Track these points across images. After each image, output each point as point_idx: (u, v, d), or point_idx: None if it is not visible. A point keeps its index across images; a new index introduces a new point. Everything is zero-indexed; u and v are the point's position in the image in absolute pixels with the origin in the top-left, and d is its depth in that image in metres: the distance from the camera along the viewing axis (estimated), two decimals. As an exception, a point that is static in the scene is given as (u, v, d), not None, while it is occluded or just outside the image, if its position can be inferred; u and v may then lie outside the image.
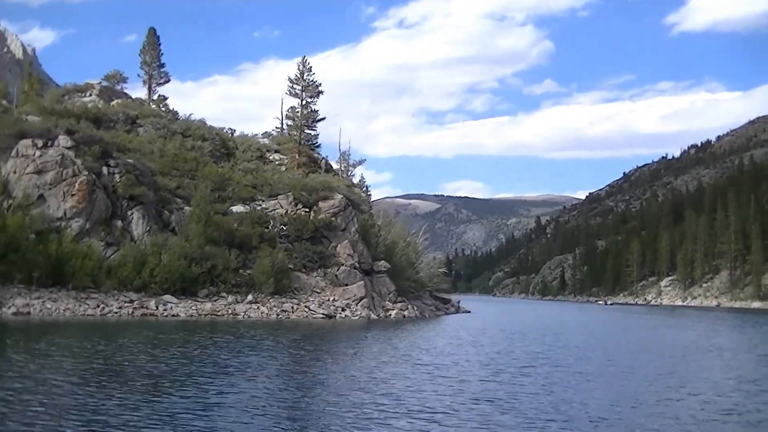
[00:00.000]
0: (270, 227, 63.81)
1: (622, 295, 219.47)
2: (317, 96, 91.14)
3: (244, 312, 54.06)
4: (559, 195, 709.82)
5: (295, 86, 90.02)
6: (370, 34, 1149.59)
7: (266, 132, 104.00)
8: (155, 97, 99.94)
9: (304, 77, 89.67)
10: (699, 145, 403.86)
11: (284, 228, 64.27)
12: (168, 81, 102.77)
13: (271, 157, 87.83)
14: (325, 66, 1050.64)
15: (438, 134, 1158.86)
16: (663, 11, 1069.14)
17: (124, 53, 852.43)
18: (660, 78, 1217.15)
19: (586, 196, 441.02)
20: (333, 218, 66.19)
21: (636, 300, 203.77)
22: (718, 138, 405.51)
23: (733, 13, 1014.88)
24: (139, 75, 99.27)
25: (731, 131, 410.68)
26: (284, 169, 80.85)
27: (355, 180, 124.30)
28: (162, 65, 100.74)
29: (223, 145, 79.82)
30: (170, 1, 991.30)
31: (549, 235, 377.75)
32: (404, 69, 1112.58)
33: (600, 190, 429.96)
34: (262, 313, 54.81)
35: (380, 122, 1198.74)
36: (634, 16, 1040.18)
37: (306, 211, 66.52)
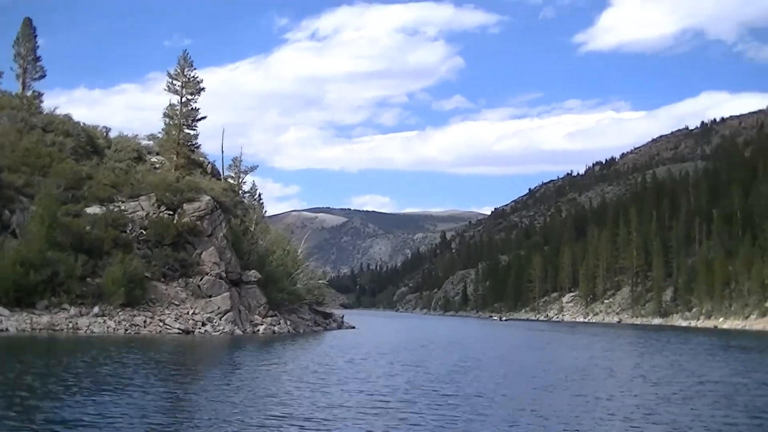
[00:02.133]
0: (128, 231, 57.14)
1: (524, 310, 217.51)
2: (198, 93, 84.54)
3: (87, 326, 47.54)
4: (466, 210, 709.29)
5: (174, 82, 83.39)
6: (281, 46, 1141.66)
7: (152, 134, 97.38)
8: (29, 92, 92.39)
9: (185, 73, 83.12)
10: (603, 162, 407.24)
11: (144, 232, 57.67)
12: (44, 76, 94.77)
13: (151, 159, 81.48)
14: (236, 76, 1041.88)
15: (346, 148, 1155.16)
16: (571, 31, 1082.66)
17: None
18: (567, 96, 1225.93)
19: (492, 212, 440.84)
20: (198, 222, 59.55)
21: (538, 316, 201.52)
22: (623, 156, 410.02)
23: (640, 34, 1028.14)
24: (12, 68, 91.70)
25: (635, 149, 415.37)
26: (158, 170, 74.50)
27: (247, 187, 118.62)
28: (38, 59, 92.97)
29: (90, 143, 72.77)
30: (79, 5, 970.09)
31: (454, 251, 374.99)
32: (314, 81, 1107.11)
33: (506, 205, 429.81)
34: (108, 327, 48.28)
35: (289, 134, 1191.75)
36: (543, 34, 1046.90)
37: (170, 214, 59.99)
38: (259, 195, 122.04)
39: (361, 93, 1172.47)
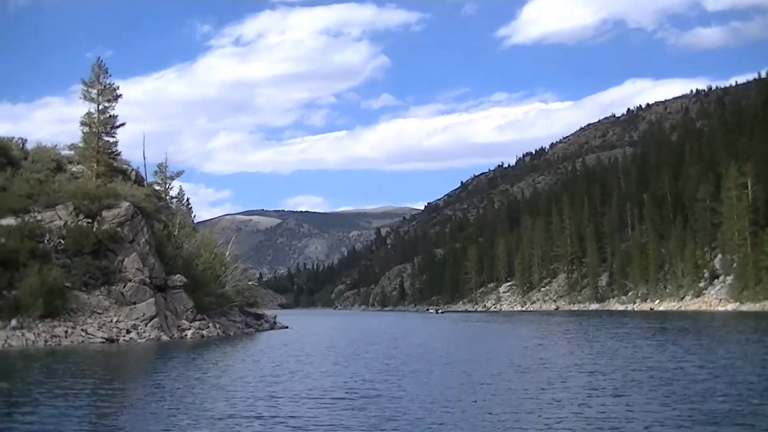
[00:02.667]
0: (46, 241, 55.31)
1: (461, 302, 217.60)
2: (115, 100, 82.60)
3: (5, 340, 45.73)
4: (400, 206, 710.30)
5: (90, 90, 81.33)
6: (206, 53, 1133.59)
7: (73, 144, 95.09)
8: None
9: (100, 80, 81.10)
10: (533, 153, 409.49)
11: (62, 241, 55.86)
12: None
13: (72, 169, 79.41)
14: (161, 85, 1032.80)
15: (277, 150, 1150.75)
16: (494, 25, 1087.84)
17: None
18: (494, 90, 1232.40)
19: (425, 206, 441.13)
20: (119, 229, 57.67)
21: (476, 307, 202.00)
22: (552, 145, 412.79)
23: (561, 26, 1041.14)
24: None
25: (564, 138, 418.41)
26: (79, 179, 72.50)
27: (174, 192, 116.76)
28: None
29: (3, 155, 70.55)
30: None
31: (389, 246, 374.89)
32: (241, 86, 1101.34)
33: (439, 200, 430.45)
34: (27, 340, 46.48)
35: (219, 140, 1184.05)
36: (466, 30, 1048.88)
37: (89, 222, 58.16)
38: (187, 200, 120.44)
39: (289, 95, 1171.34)
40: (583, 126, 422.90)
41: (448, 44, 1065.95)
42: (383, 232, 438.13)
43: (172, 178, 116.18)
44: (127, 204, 59.32)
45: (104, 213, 58.00)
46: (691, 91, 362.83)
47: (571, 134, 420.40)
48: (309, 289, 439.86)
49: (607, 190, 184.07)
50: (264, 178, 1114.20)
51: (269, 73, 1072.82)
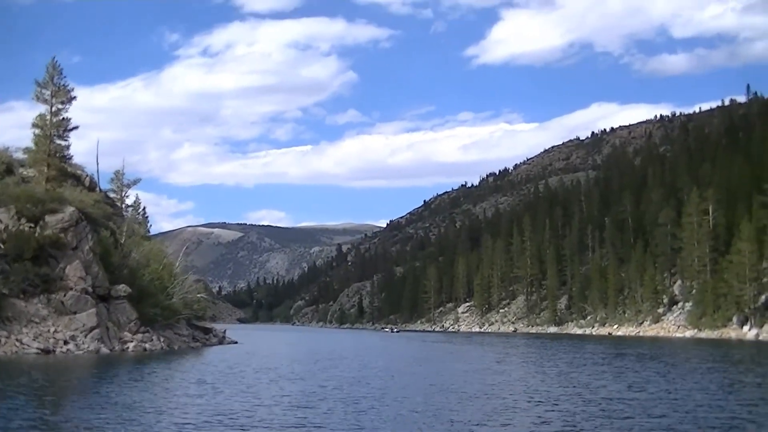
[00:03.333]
0: (-16, 245, 53.09)
1: (419, 322, 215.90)
2: (69, 102, 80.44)
3: (-68, 349, 43.78)
4: (362, 223, 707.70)
5: (43, 91, 79.10)
6: (173, 62, 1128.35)
7: (27, 147, 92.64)
8: None
9: (54, 81, 78.92)
10: (497, 173, 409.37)
11: (1, 246, 53.49)
12: None
13: (24, 172, 77.11)
14: (127, 93, 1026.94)
15: (241, 163, 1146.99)
16: (463, 44, 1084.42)
17: None
18: (460, 109, 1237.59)
19: (387, 224, 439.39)
20: (62, 235, 55.41)
21: (434, 327, 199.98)
22: (516, 167, 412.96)
23: (529, 47, 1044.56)
24: None
25: (528, 160, 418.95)
26: (28, 183, 70.15)
27: (130, 201, 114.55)
28: None
29: (-54, 154, 68.25)
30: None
31: (350, 263, 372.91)
32: (207, 97, 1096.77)
33: (401, 217, 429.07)
34: (-44, 349, 44.58)
35: (183, 150, 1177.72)
36: (435, 48, 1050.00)
37: (31, 227, 55.86)
38: (144, 209, 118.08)
39: (255, 108, 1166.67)
40: (547, 148, 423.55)
41: (417, 62, 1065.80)
42: (344, 248, 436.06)
43: (128, 186, 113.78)
44: (71, 209, 57.13)
45: (47, 218, 55.79)
46: (656, 116, 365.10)
47: (535, 156, 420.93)
48: (268, 303, 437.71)
49: (569, 213, 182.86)
50: (227, 191, 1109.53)
51: (236, 85, 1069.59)
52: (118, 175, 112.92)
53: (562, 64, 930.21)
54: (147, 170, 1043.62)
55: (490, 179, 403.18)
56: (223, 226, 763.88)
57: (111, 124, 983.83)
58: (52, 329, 50.26)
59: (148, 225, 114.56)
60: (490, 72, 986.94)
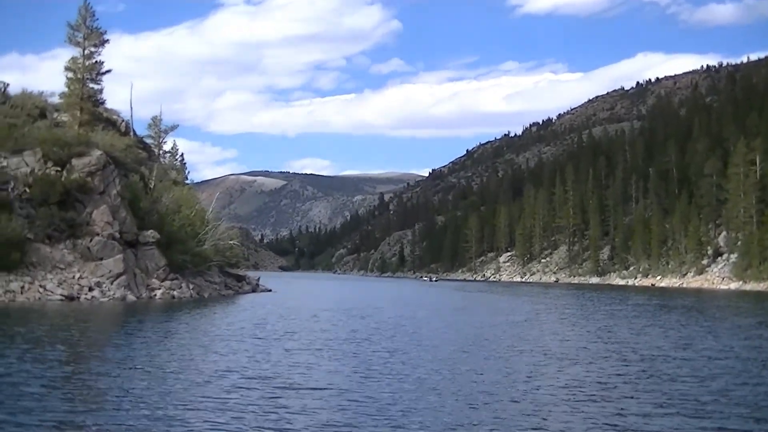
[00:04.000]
0: (9, 189, 51.44)
1: (460, 271, 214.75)
2: (102, 45, 78.76)
3: (-47, 294, 42.45)
4: (405, 172, 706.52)
5: (76, 33, 77.43)
6: (217, 10, 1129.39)
7: (63, 92, 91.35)
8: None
9: (87, 23, 77.21)
10: (540, 123, 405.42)
11: (27, 190, 51.95)
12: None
13: (60, 117, 75.77)
14: (171, 41, 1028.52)
15: (284, 112, 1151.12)
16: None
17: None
18: (504, 59, 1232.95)
19: (429, 173, 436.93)
20: (89, 179, 53.67)
21: (475, 276, 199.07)
22: (559, 116, 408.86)
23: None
24: None
25: (572, 110, 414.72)
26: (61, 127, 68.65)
27: (167, 147, 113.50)
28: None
29: (-24, 97, 66.68)
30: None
31: (392, 212, 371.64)
32: (251, 46, 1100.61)
33: (443, 167, 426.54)
34: (-24, 295, 43.19)
35: (226, 99, 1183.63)
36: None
37: (57, 171, 54.21)
38: (182, 155, 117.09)
39: (299, 57, 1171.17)
40: (591, 98, 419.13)
41: (461, 11, 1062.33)
42: (387, 197, 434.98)
43: (166, 132, 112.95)
44: (99, 153, 55.38)
45: (74, 161, 54.10)
46: (702, 66, 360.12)
47: (579, 106, 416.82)
48: (310, 252, 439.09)
49: (613, 163, 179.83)
50: (270, 139, 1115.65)
51: (280, 33, 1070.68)
52: (155, 121, 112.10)
53: (608, 14, 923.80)
54: (190, 118, 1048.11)
55: (534, 129, 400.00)
56: (266, 174, 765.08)
57: (154, 73, 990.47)
58: (77, 275, 48.85)
59: (187, 171, 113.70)
60: (534, 21, 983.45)
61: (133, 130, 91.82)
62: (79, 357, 23.80)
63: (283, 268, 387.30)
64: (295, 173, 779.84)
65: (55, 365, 21.06)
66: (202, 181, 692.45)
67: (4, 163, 53.26)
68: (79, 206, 53.13)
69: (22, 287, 45.33)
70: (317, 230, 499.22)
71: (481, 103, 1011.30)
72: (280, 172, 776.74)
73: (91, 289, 47.99)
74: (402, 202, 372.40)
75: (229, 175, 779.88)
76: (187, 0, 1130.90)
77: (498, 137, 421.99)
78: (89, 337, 29.78)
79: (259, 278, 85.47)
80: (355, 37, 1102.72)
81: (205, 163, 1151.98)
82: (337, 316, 44.18)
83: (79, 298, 46.67)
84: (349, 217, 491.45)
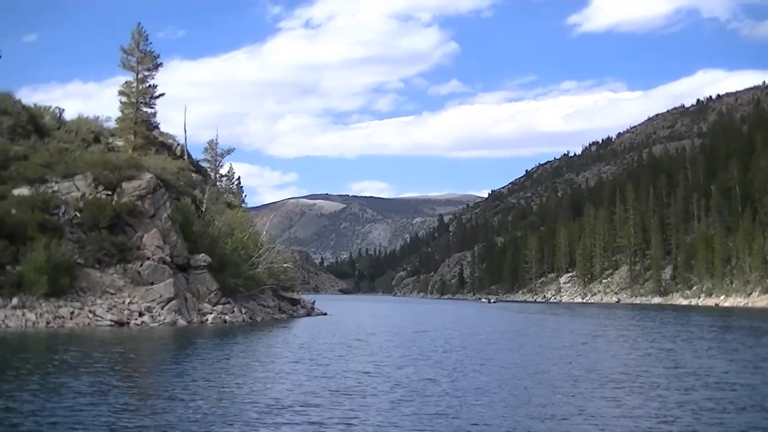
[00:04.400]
0: (60, 213, 51.19)
1: (520, 292, 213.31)
2: (155, 69, 79.16)
3: (2, 320, 41.88)
4: (464, 194, 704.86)
5: (129, 57, 77.76)
6: (275, 34, 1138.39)
7: (119, 117, 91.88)
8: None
9: (140, 47, 77.52)
10: (599, 142, 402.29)
11: (78, 215, 51.64)
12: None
13: (114, 142, 76.01)
14: (231, 66, 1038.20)
15: (343, 134, 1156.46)
16: (565, 12, 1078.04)
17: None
18: (563, 78, 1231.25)
19: (489, 194, 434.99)
20: (139, 202, 53.08)
21: (535, 297, 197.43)
22: (619, 135, 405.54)
23: (633, 14, 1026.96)
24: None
25: (631, 128, 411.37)
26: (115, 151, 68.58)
27: (224, 170, 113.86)
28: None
29: (32, 122, 66.63)
30: (70, 1, 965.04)
31: (451, 233, 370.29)
32: (310, 69, 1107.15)
33: (503, 188, 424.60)
34: (27, 321, 42.50)
35: (286, 122, 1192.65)
36: (536, 17, 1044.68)
37: (108, 194, 53.83)
38: (238, 178, 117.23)
39: (357, 79, 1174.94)
40: (651, 116, 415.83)
41: (519, 31, 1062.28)
42: (446, 219, 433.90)
43: (222, 156, 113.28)
44: (149, 176, 54.90)
45: (124, 185, 53.66)
46: (764, 82, 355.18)
47: (639, 124, 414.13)
48: (370, 274, 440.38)
49: (674, 181, 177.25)
50: (329, 162, 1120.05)
51: (338, 57, 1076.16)
52: (211, 145, 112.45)
53: (667, 31, 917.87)
54: (250, 142, 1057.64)
55: (593, 148, 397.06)
56: (326, 197, 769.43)
57: (215, 97, 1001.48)
58: (127, 300, 48.31)
59: (243, 195, 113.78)
60: (592, 40, 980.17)
61: (188, 154, 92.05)
62: (144, 383, 23.16)
63: (343, 291, 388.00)
64: (354, 196, 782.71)
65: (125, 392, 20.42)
66: (262, 205, 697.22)
67: (55, 188, 53.10)
68: (130, 230, 52.71)
69: (72, 313, 44.86)
70: (377, 253, 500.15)
71: (539, 123, 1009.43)
72: (340, 195, 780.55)
73: (141, 314, 47.44)
74: (461, 223, 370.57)
75: (288, 199, 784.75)
76: (245, 25, 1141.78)
77: (557, 157, 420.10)
78: (147, 362, 29.22)
79: (314, 301, 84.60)
80: (412, 58, 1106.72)
81: (265, 187, 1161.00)
82: (388, 340, 43.22)
83: (128, 323, 46.10)
84: (408, 240, 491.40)
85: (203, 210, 62.49)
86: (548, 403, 20.00)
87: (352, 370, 26.85)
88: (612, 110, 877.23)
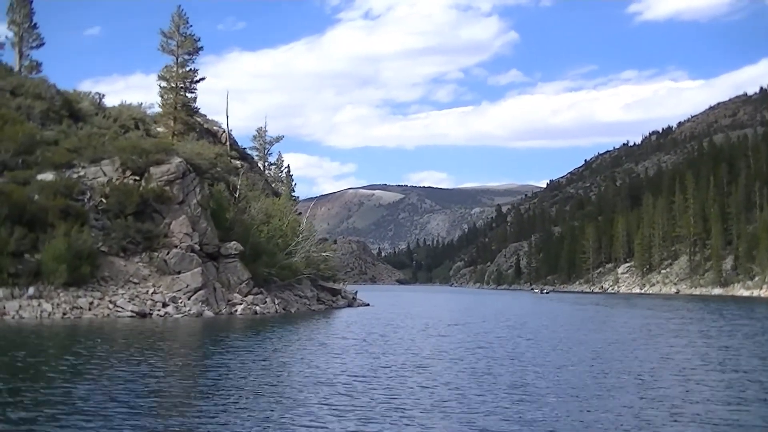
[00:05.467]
0: (86, 199, 49.19)
1: (577, 282, 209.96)
2: (196, 53, 77.55)
3: (17, 311, 39.99)
4: (523, 184, 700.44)
5: (169, 41, 76.13)
6: (335, 25, 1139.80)
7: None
8: (26, 63, 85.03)
9: (180, 31, 75.83)
10: (660, 131, 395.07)
11: (104, 201, 49.59)
12: (42, 44, 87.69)
13: (156, 129, 74.56)
14: (290, 57, 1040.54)
15: (402, 125, 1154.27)
16: (625, 1, 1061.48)
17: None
18: (624, 67, 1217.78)
19: (547, 184, 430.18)
20: (167, 187, 50.91)
21: (592, 288, 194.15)
22: (680, 124, 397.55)
23: (695, 2, 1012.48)
24: (7, 37, 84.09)
25: (692, 117, 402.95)
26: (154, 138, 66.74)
27: (272, 159, 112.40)
28: (34, 26, 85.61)
29: (66, 107, 64.75)
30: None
31: (509, 224, 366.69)
32: (369, 60, 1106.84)
33: (561, 177, 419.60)
34: (43, 311, 40.55)
35: (345, 113, 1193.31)
36: (597, 5, 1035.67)
37: (136, 180, 51.72)
38: (288, 166, 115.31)
39: (416, 70, 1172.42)
40: (712, 105, 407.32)
41: (579, 20, 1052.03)
42: (504, 209, 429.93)
43: (271, 144, 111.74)
44: (178, 160, 52.62)
45: (152, 169, 51.50)
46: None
47: (700, 113, 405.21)
48: (427, 265, 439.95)
49: (735, 170, 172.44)
50: (388, 153, 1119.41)
51: (397, 47, 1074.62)
52: (260, 133, 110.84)
53: (730, 19, 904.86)
54: (309, 133, 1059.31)
55: (653, 138, 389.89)
56: (384, 187, 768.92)
57: (274, 89, 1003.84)
58: (151, 290, 46.18)
59: (293, 183, 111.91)
60: (653, 29, 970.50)
61: (234, 140, 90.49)
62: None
63: (400, 282, 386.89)
64: (412, 186, 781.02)
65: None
66: (320, 196, 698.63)
67: (82, 173, 51.21)
68: (157, 217, 50.59)
69: (91, 303, 42.82)
70: (435, 243, 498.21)
71: (599, 113, 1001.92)
72: (398, 185, 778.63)
73: (165, 305, 45.33)
74: (519, 213, 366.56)
75: (347, 189, 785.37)
76: (304, 16, 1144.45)
77: (617, 146, 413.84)
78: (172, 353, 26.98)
79: (356, 292, 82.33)
80: (472, 48, 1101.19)
81: (324, 178, 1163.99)
82: (415, 334, 40.66)
83: (151, 314, 43.96)
84: (466, 230, 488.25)
85: (236, 196, 60.18)
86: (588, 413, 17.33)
87: (349, 373, 24.35)
88: (673, 99, 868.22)
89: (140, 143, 54.76)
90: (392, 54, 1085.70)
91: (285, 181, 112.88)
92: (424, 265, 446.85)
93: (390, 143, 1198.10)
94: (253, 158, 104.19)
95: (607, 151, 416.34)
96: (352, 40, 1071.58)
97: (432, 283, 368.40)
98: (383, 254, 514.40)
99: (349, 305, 71.67)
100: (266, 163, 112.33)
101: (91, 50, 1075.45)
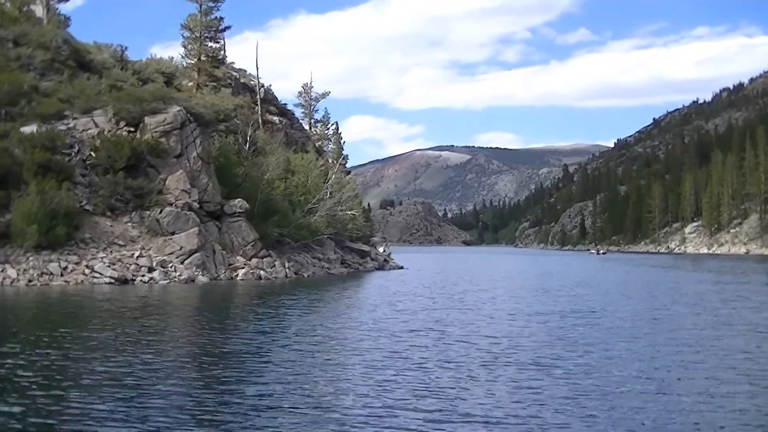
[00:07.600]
0: (73, 153, 44.46)
1: (643, 243, 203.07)
2: (221, 0, 73.08)
3: (-24, 277, 35.57)
4: (591, 143, 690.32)
5: (192, -13, 71.91)
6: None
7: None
8: (54, 17, 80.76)
9: (202, -24, 71.61)
10: (731, 88, 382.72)
11: (93, 154, 44.75)
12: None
13: (185, 84, 70.29)
14: (358, 19, 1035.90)
15: (469, 86, 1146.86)
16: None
17: None
18: (695, 24, 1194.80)
19: (615, 143, 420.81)
20: (162, 139, 45.74)
21: (658, 248, 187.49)
22: (751, 80, 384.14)
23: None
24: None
25: (765, 73, 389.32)
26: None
27: (318, 115, 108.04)
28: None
29: (74, 58, 59.82)
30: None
31: (575, 183, 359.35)
32: (436, 21, 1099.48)
33: (629, 136, 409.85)
34: (6, 278, 36.00)
35: (412, 75, 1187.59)
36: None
37: (130, 131, 46.76)
38: (336, 123, 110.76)
39: (484, 30, 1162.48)
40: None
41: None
42: (571, 169, 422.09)
43: (316, 100, 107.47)
44: (176, 109, 47.13)
45: (147, 119, 46.33)
46: None
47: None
48: (494, 226, 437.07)
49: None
50: (455, 114, 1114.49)
51: (465, 8, 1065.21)
52: (305, 89, 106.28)
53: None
54: (376, 95, 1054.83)
55: (724, 94, 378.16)
56: (452, 149, 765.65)
57: (341, 52, 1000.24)
58: (137, 253, 41.33)
59: (342, 141, 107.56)
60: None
61: (273, 96, 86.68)
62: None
63: (466, 243, 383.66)
64: (480, 147, 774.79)
65: None
66: (388, 157, 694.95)
67: (72, 125, 46.37)
68: (152, 172, 45.57)
69: (64, 269, 38.17)
70: (501, 204, 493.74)
71: (670, 71, 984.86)
72: (465, 146, 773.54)
73: (151, 270, 40.52)
74: (585, 173, 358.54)
75: (414, 151, 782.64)
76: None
77: (687, 104, 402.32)
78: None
79: (389, 253, 77.05)
80: (540, 7, 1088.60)
81: (392, 140, 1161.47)
82: (420, 310, 35.17)
83: (134, 280, 39.12)
84: (533, 190, 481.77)
85: (246, 149, 54.79)
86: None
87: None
88: (745, 55, 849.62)
89: (136, 91, 49.77)
90: (460, 14, 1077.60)
91: (332, 139, 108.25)
92: (490, 226, 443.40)
93: (457, 104, 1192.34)
94: (293, 114, 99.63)
95: (677, 109, 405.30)
96: (420, 1, 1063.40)
97: (498, 245, 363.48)
98: (450, 215, 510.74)
99: (380, 268, 66.30)
100: (312, 120, 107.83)
101: (160, 16, 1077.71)
